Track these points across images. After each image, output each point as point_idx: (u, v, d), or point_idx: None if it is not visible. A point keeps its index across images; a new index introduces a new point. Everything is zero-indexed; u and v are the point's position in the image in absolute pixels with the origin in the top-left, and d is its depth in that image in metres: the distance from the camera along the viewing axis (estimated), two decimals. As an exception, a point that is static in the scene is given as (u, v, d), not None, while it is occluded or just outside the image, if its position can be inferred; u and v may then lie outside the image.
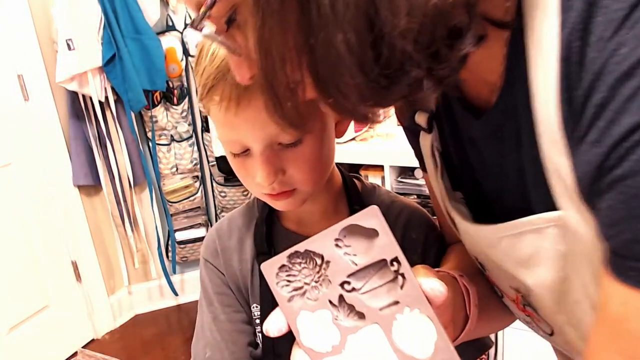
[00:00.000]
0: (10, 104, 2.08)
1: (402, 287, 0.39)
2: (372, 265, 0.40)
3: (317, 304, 0.40)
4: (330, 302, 0.40)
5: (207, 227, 2.54)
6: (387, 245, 0.39)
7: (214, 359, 0.73)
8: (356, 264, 0.40)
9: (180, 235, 2.47)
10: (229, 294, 0.74)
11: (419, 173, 1.83)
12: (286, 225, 0.72)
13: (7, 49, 2.05)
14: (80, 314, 2.39)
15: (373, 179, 1.94)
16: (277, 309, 0.41)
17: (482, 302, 0.55)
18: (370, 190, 0.74)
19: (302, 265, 0.41)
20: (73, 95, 2.19)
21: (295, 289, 0.41)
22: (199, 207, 2.48)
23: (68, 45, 1.99)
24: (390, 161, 1.83)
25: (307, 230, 0.70)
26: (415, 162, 2.16)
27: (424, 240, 0.70)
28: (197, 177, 2.45)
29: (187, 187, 2.43)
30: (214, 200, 2.55)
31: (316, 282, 0.41)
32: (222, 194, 2.46)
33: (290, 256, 0.41)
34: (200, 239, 2.50)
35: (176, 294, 2.59)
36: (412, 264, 0.67)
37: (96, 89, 2.12)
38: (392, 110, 2.08)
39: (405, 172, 1.88)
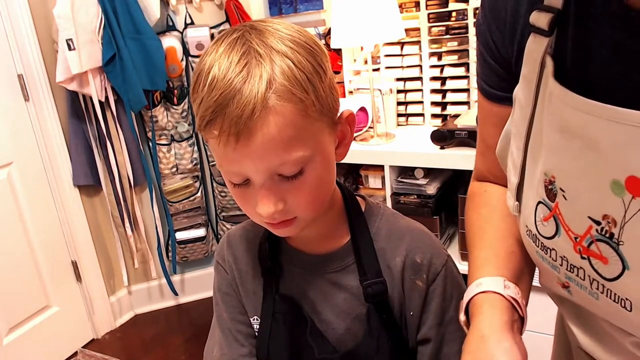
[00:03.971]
0: (11, 104, 2.08)
1: None
2: None
3: None
4: None
5: (207, 227, 2.54)
6: None
7: (217, 356, 0.75)
8: None
9: (180, 235, 2.47)
10: (233, 295, 0.76)
11: (419, 173, 1.83)
12: (290, 242, 0.72)
13: (7, 49, 2.05)
14: (80, 314, 2.39)
15: (373, 179, 1.94)
16: None
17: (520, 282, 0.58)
18: (374, 210, 0.72)
19: None
20: (73, 95, 2.19)
21: None
22: (199, 207, 2.48)
23: (68, 45, 1.99)
24: (390, 161, 1.83)
25: (310, 248, 0.71)
26: (415, 162, 2.15)
27: (428, 264, 0.68)
28: (197, 177, 2.45)
29: (187, 187, 2.43)
30: (214, 200, 2.55)
31: None
32: (222, 194, 2.46)
33: None
34: (201, 238, 2.50)
35: (176, 294, 2.59)
36: (417, 289, 0.67)
37: (96, 89, 2.12)
38: (389, 110, 2.05)
39: (405, 172, 1.88)
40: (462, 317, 0.58)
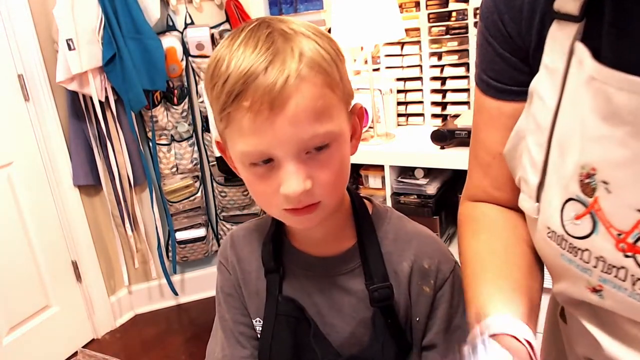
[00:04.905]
0: (10, 104, 2.08)
1: None
2: None
3: None
4: None
5: (207, 227, 2.54)
6: None
7: (219, 357, 0.75)
8: None
9: (180, 235, 2.47)
10: (235, 296, 0.75)
11: (419, 173, 1.83)
12: (294, 243, 0.71)
13: (7, 49, 2.05)
14: (80, 314, 2.39)
15: (373, 179, 1.94)
16: None
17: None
18: (382, 213, 0.71)
19: None
20: (73, 95, 2.19)
21: None
22: (199, 207, 2.48)
23: (68, 45, 1.99)
24: (390, 161, 1.83)
25: (315, 250, 0.70)
26: (415, 162, 2.15)
27: (436, 270, 0.67)
28: (197, 177, 2.45)
29: (187, 187, 2.43)
30: (214, 200, 2.55)
31: None
32: (222, 194, 2.46)
33: None
34: (201, 238, 2.50)
35: (176, 294, 2.59)
36: (424, 294, 0.67)
37: (96, 89, 2.12)
38: (389, 110, 2.05)
39: (405, 172, 1.88)
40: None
